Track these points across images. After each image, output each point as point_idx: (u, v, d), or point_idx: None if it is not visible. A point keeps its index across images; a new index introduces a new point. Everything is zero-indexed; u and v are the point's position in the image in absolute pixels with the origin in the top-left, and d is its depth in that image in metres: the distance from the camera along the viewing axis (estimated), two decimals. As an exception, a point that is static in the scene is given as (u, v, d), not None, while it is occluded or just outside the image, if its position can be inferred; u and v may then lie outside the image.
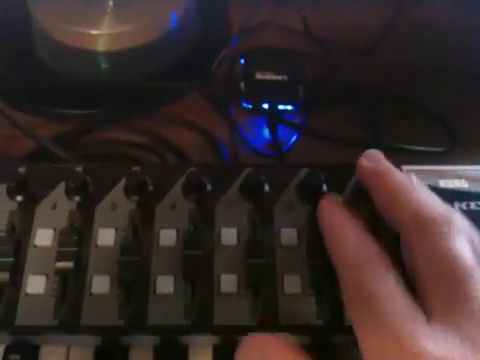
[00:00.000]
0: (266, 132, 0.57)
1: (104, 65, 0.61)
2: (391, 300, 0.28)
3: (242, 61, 0.61)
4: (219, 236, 0.37)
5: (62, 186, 0.39)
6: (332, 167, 0.40)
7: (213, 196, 0.39)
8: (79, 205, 0.38)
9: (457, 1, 0.69)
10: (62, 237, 0.37)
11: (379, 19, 0.65)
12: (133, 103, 0.60)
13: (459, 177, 0.40)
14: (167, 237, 0.37)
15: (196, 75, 0.62)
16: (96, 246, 0.37)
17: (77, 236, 0.37)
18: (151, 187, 0.39)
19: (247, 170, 0.40)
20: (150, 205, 0.39)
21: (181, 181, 0.39)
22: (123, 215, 0.38)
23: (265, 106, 0.57)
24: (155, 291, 0.35)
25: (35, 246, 0.37)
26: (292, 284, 0.35)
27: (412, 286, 0.29)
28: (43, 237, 0.37)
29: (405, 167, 0.40)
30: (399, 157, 0.45)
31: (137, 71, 0.61)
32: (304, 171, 0.39)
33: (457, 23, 0.66)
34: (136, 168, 0.39)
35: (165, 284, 0.36)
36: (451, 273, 0.27)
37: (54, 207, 0.38)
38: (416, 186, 0.32)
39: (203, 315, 0.35)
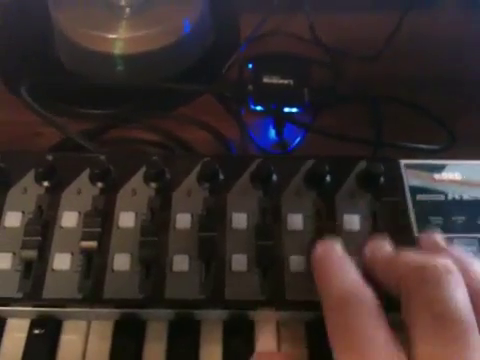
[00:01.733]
0: (272, 132, 0.60)
1: (121, 67, 0.64)
2: (373, 345, 0.28)
3: (251, 65, 0.64)
4: (231, 220, 0.40)
5: (86, 173, 0.42)
6: (336, 159, 0.43)
7: (225, 184, 0.42)
8: (102, 191, 0.42)
9: (456, 12, 0.72)
10: (87, 219, 0.40)
11: (383, 28, 0.68)
12: (148, 104, 0.63)
13: (453, 171, 0.43)
14: (183, 220, 0.40)
15: (208, 78, 0.65)
16: (118, 227, 0.40)
17: (100, 218, 0.40)
18: (168, 175, 0.42)
19: (257, 161, 0.43)
20: (167, 191, 0.42)
21: (196, 170, 0.43)
22: (143, 200, 0.41)
23: (272, 108, 0.60)
24: (172, 268, 0.38)
25: (61, 227, 0.40)
26: (297, 263, 0.38)
27: (398, 332, 0.29)
28: (69, 219, 0.40)
29: (404, 161, 0.43)
30: (399, 154, 0.49)
31: (152, 73, 0.64)
32: (310, 162, 0.43)
33: (455, 33, 0.69)
34: (155, 158, 0.43)
35: (181, 262, 0.39)
36: (445, 326, 0.27)
37: (79, 192, 0.42)
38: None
39: (215, 291, 0.38)
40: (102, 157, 0.43)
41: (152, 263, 0.39)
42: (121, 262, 0.39)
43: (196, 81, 0.64)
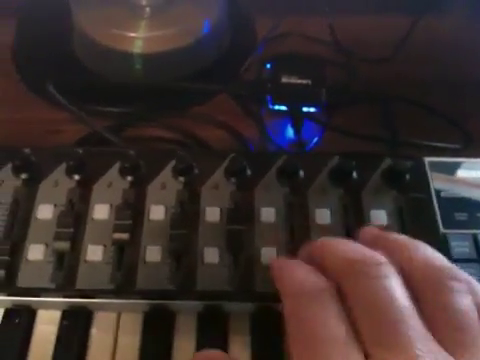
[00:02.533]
0: (289, 131, 0.61)
1: (139, 66, 0.65)
2: (329, 336, 0.27)
3: (269, 66, 0.65)
4: (259, 214, 0.41)
5: (116, 167, 0.43)
6: (361, 156, 0.44)
7: (252, 179, 0.43)
8: (132, 184, 0.42)
9: (470, 14, 0.73)
10: (118, 211, 0.41)
11: (396, 31, 0.70)
12: (166, 103, 0.64)
13: (477, 168, 0.44)
14: (212, 214, 0.41)
15: (225, 78, 0.66)
16: (149, 220, 0.41)
17: (131, 211, 0.41)
18: (196, 170, 0.43)
19: (283, 157, 0.44)
20: (196, 186, 0.43)
21: (223, 166, 0.43)
22: (172, 194, 0.42)
23: (292, 107, 0.61)
24: (202, 261, 0.39)
25: (93, 219, 0.41)
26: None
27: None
28: (100, 211, 0.41)
29: (428, 159, 0.44)
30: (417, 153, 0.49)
31: (170, 73, 0.65)
32: (335, 159, 0.43)
33: (465, 37, 0.71)
34: (183, 153, 0.43)
35: (211, 255, 0.39)
36: (383, 314, 0.26)
37: (110, 185, 0.42)
38: (340, 240, 0.32)
39: (245, 283, 0.39)
40: (131, 152, 0.44)
41: (182, 255, 0.39)
42: (152, 254, 0.39)
43: (214, 81, 0.65)
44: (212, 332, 0.40)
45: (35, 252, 0.39)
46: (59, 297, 0.39)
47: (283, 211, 0.41)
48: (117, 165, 0.43)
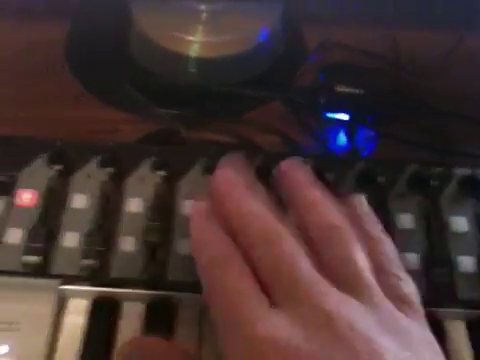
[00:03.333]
0: (342, 139, 0.63)
1: (195, 70, 0.66)
2: (237, 292, 0.30)
3: (322, 75, 0.66)
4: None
5: (200, 165, 0.44)
6: (437, 164, 0.45)
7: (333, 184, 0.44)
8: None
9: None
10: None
11: (443, 45, 0.71)
12: (219, 107, 0.65)
13: None
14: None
15: (278, 85, 0.67)
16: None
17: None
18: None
19: (362, 163, 0.45)
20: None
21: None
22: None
23: (344, 116, 0.63)
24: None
25: (181, 214, 0.42)
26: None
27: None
28: (187, 207, 0.42)
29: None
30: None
31: (225, 78, 0.66)
32: (413, 166, 0.45)
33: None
34: (261, 156, 0.44)
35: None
36: (283, 268, 0.30)
37: (195, 182, 0.43)
38: (251, 198, 0.35)
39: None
40: (214, 147, 0.45)
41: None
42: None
43: (267, 88, 0.66)
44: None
45: (127, 244, 0.40)
46: (149, 289, 0.40)
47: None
48: (200, 163, 0.44)
